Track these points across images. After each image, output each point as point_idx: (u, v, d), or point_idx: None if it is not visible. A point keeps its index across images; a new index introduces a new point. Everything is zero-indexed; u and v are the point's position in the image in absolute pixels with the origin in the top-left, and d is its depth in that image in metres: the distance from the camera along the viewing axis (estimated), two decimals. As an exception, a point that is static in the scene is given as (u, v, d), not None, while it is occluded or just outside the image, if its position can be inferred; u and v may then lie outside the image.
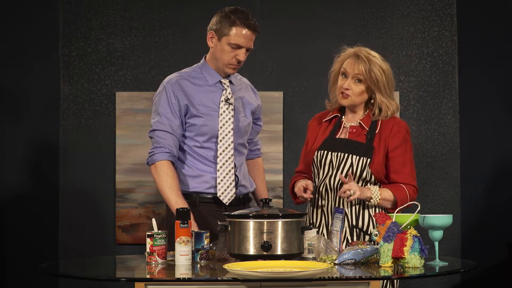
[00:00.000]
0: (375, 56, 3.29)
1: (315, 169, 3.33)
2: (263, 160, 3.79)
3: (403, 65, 5.01)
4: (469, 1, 5.07)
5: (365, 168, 3.22)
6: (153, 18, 5.04)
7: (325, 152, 3.29)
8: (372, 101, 3.32)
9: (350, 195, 3.12)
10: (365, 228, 3.24)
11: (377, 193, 3.19)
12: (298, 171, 3.47)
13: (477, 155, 5.06)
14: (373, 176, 3.24)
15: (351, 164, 3.23)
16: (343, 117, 3.38)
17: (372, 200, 3.19)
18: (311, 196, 3.27)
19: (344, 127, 3.35)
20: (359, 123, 3.31)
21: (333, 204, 3.25)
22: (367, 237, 3.23)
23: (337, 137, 3.32)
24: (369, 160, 3.22)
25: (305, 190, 3.27)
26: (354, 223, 3.24)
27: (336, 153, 3.26)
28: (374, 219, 3.24)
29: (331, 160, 3.27)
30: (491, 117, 5.06)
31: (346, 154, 3.24)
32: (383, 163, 3.25)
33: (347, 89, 3.27)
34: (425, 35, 5.02)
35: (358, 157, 3.23)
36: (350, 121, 3.35)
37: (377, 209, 3.26)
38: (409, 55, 5.02)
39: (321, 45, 4.97)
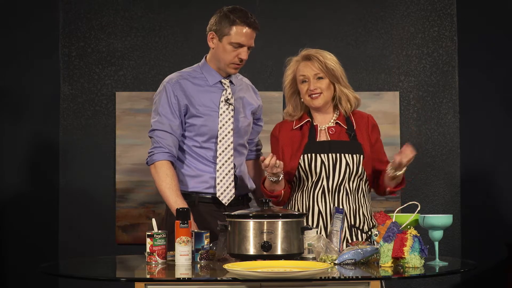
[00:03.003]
0: (324, 51, 3.38)
1: (303, 174, 3.32)
2: (263, 160, 3.79)
3: (403, 65, 5.02)
4: (469, 1, 5.08)
5: (359, 164, 3.26)
6: (153, 18, 5.05)
7: (313, 155, 3.29)
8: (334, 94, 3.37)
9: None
10: (361, 227, 3.26)
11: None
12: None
13: (477, 155, 5.06)
14: (365, 172, 3.28)
15: (347, 163, 3.25)
16: (313, 121, 3.39)
17: (402, 170, 3.19)
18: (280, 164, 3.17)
19: (320, 130, 3.36)
20: (336, 122, 3.35)
21: (331, 206, 3.26)
22: (364, 236, 3.24)
23: (318, 140, 3.33)
24: (362, 156, 3.27)
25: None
26: (352, 222, 3.25)
27: (325, 154, 3.27)
28: (368, 217, 3.28)
29: (322, 162, 3.27)
30: (491, 117, 5.07)
31: (338, 154, 3.27)
32: (371, 157, 3.32)
33: (315, 89, 3.30)
34: (425, 35, 5.02)
35: (350, 155, 3.26)
36: (322, 123, 3.37)
37: (369, 210, 3.30)
38: (409, 55, 5.02)
39: (321, 45, 4.92)
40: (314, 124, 3.37)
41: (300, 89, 3.35)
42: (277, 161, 3.13)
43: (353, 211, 3.27)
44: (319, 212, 3.28)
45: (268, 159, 3.11)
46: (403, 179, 3.30)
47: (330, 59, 3.33)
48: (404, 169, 3.20)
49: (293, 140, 3.37)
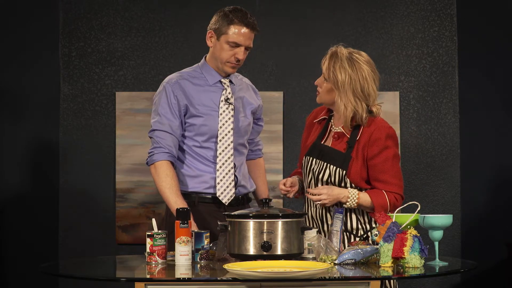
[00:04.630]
0: (350, 57, 3.21)
1: (303, 174, 3.33)
2: (263, 160, 3.79)
3: (403, 65, 5.02)
4: (469, 1, 5.08)
5: (342, 179, 3.18)
6: (153, 18, 5.05)
7: (310, 158, 3.27)
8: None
9: (323, 203, 3.14)
10: (354, 231, 3.22)
11: (355, 197, 3.14)
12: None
13: (477, 155, 5.06)
14: (352, 185, 3.19)
15: (329, 175, 3.19)
16: (331, 119, 3.33)
17: (347, 203, 3.15)
18: (293, 191, 3.30)
19: (330, 131, 3.31)
20: (342, 129, 3.26)
21: (320, 211, 3.24)
22: (357, 239, 3.20)
23: (322, 142, 3.30)
24: (344, 172, 3.17)
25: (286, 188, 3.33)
26: (343, 227, 3.21)
27: (318, 161, 3.24)
28: (361, 221, 3.22)
29: (312, 169, 3.25)
30: (491, 117, 5.08)
31: (325, 164, 3.21)
32: (362, 171, 3.18)
33: (317, 85, 3.27)
34: (425, 35, 5.02)
35: (334, 167, 3.19)
36: (337, 124, 3.29)
37: (364, 214, 3.23)
38: (409, 55, 5.02)
39: (321, 45, 4.92)
40: (329, 123, 3.33)
41: None
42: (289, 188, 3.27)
43: (343, 216, 3.20)
44: (311, 216, 3.27)
45: (281, 185, 3.28)
46: (375, 210, 3.15)
47: (342, 67, 3.18)
48: (348, 204, 3.15)
49: (310, 134, 3.37)
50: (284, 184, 3.30)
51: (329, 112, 3.35)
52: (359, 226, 3.21)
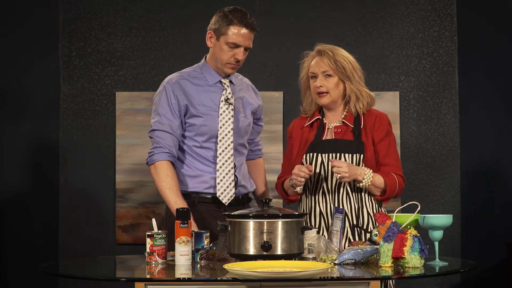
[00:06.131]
0: (338, 48, 3.34)
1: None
2: (263, 160, 3.79)
3: (403, 65, 5.02)
4: (469, 1, 5.08)
5: (359, 164, 3.23)
6: (153, 18, 5.05)
7: (314, 154, 3.28)
8: (345, 92, 3.34)
9: (343, 177, 3.13)
10: (365, 226, 3.24)
11: (370, 176, 3.20)
12: (281, 177, 3.46)
13: (477, 155, 5.06)
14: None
15: None
16: (324, 119, 3.38)
17: (363, 182, 3.19)
18: (311, 170, 3.22)
19: (328, 128, 3.34)
20: (343, 121, 3.32)
21: (331, 206, 3.25)
22: (368, 235, 3.23)
23: (323, 139, 3.32)
24: (362, 156, 3.24)
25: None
26: (354, 222, 3.24)
27: (326, 154, 3.26)
28: (372, 218, 3.26)
29: (322, 162, 3.26)
30: (491, 117, 5.08)
31: (338, 154, 3.25)
32: (374, 155, 3.27)
33: (321, 86, 3.29)
34: (425, 35, 5.02)
35: (350, 154, 3.23)
36: (332, 121, 3.35)
37: (374, 208, 3.27)
38: (409, 55, 5.02)
39: (321, 45, 4.96)
40: (324, 122, 3.37)
41: (310, 85, 3.35)
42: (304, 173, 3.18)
43: (355, 211, 3.25)
44: (320, 212, 3.27)
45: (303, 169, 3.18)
46: (387, 190, 3.22)
47: (341, 56, 3.29)
48: (364, 182, 3.18)
49: (302, 138, 3.38)
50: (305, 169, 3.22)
51: (319, 113, 3.39)
52: (370, 222, 3.24)
